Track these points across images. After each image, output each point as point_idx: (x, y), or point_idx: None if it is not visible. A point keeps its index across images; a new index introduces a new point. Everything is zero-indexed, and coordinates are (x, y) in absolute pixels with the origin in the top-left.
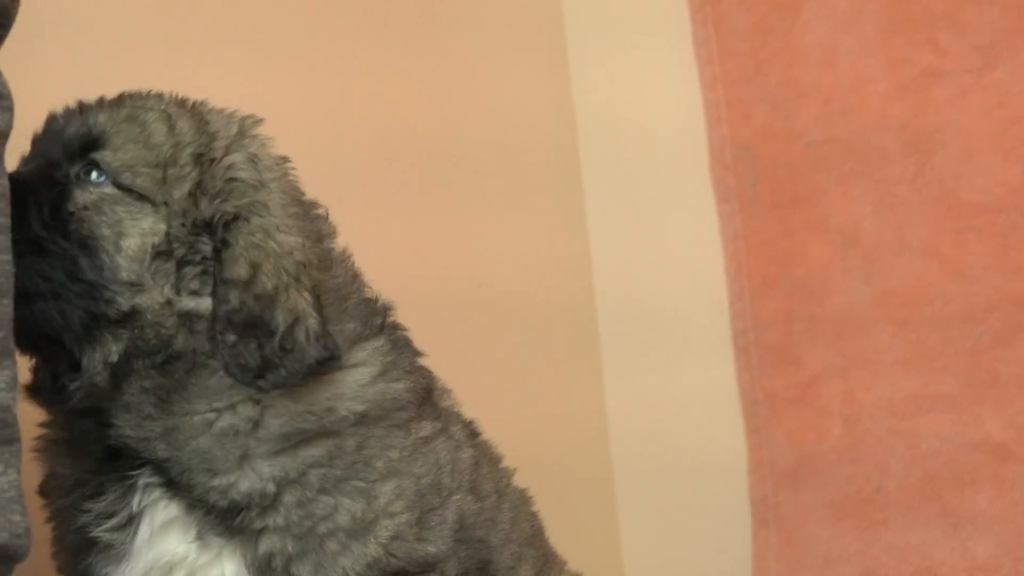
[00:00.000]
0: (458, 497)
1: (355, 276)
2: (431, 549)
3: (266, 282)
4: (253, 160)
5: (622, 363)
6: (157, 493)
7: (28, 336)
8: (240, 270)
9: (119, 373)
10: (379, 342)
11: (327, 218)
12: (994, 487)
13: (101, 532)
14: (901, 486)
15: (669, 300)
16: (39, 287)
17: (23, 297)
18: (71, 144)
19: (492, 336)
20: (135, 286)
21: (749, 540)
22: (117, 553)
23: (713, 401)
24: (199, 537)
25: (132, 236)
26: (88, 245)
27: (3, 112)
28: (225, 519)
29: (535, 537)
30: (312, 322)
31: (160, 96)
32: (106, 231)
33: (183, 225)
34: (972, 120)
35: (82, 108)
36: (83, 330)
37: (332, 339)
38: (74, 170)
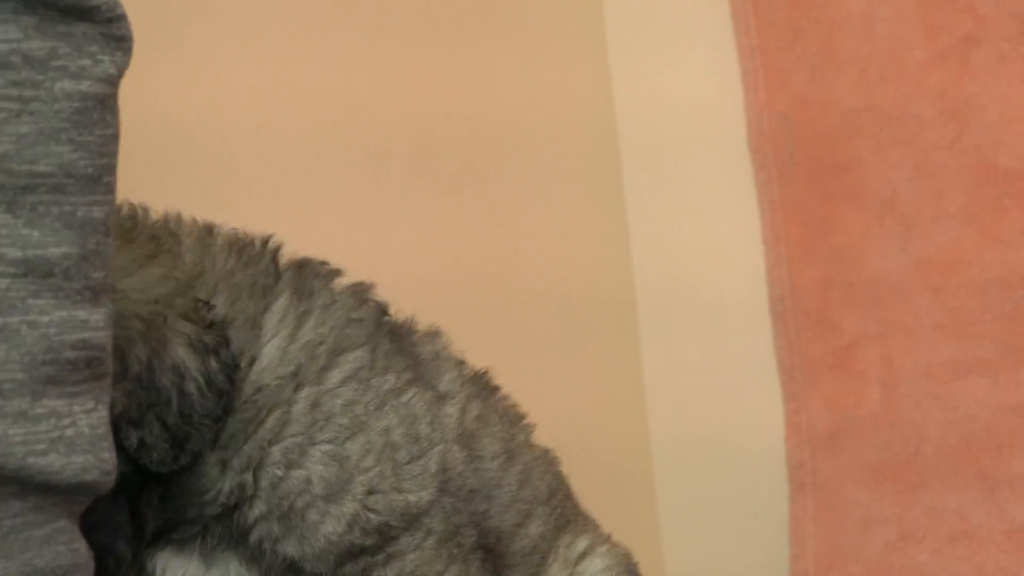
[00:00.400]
0: (441, 447)
1: (225, 251)
2: (411, 498)
3: (136, 356)
4: None
5: (659, 331)
6: (166, 551)
7: None
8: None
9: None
10: (282, 299)
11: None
12: None
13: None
14: (939, 450)
15: (706, 268)
16: None
17: None
18: None
19: (529, 306)
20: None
21: (786, 505)
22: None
23: (750, 367)
24: (204, 560)
25: None
26: None
27: (124, 53)
28: (217, 525)
29: (552, 496)
30: (194, 369)
31: None
32: None
33: None
34: (1010, 87)
35: None
36: None
37: (224, 357)
38: None
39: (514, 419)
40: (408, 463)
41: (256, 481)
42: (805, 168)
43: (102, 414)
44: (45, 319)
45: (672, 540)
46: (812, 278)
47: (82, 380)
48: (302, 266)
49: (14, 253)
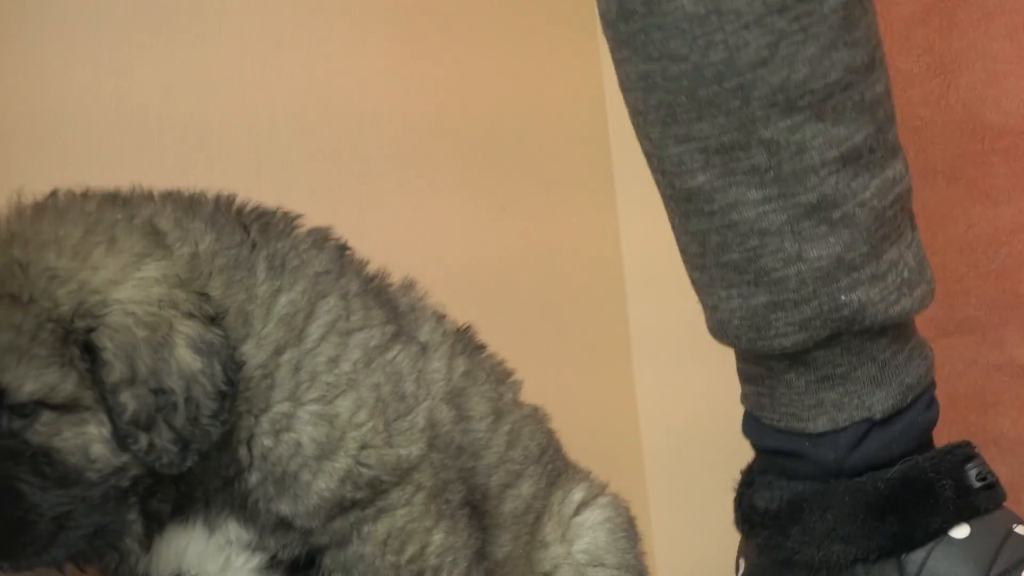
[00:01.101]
0: (428, 403)
1: (203, 230)
2: (402, 452)
3: (143, 361)
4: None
5: (645, 299)
6: (171, 523)
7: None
8: (119, 369)
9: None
10: (263, 280)
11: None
12: (1017, 409)
13: None
14: None
15: None
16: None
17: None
18: None
19: (518, 269)
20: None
21: None
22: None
23: None
24: (207, 527)
25: (94, 444)
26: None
27: None
28: (221, 496)
29: (543, 454)
30: (203, 377)
31: None
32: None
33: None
34: (996, 42)
35: None
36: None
37: (226, 358)
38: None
39: (501, 376)
40: (397, 419)
41: (250, 452)
42: None
43: (919, 243)
44: (867, 194)
45: (658, 499)
46: None
47: (900, 225)
48: (265, 226)
49: (831, 152)
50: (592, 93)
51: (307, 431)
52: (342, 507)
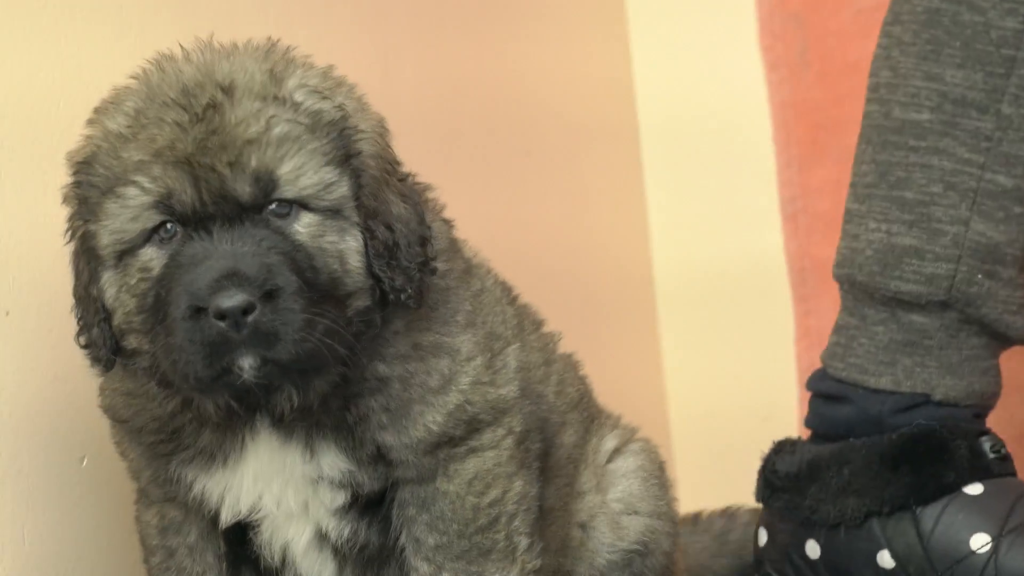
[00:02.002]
0: (516, 346)
1: None
2: (502, 392)
3: (376, 192)
4: (320, 91)
5: (670, 230)
6: (272, 437)
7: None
8: (369, 194)
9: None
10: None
11: None
12: None
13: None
14: None
15: (717, 168)
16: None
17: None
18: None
19: (545, 255)
20: (361, 291)
21: (795, 409)
22: (212, 464)
23: (761, 269)
24: (307, 446)
25: (352, 255)
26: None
27: None
28: (331, 420)
29: (581, 401)
30: (408, 224)
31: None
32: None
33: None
34: None
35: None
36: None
37: (422, 219)
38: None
39: (539, 325)
40: (494, 357)
41: (389, 373)
42: (817, 68)
43: None
44: None
45: (682, 443)
46: (823, 179)
47: None
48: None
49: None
50: (620, 80)
51: (435, 362)
52: (439, 443)
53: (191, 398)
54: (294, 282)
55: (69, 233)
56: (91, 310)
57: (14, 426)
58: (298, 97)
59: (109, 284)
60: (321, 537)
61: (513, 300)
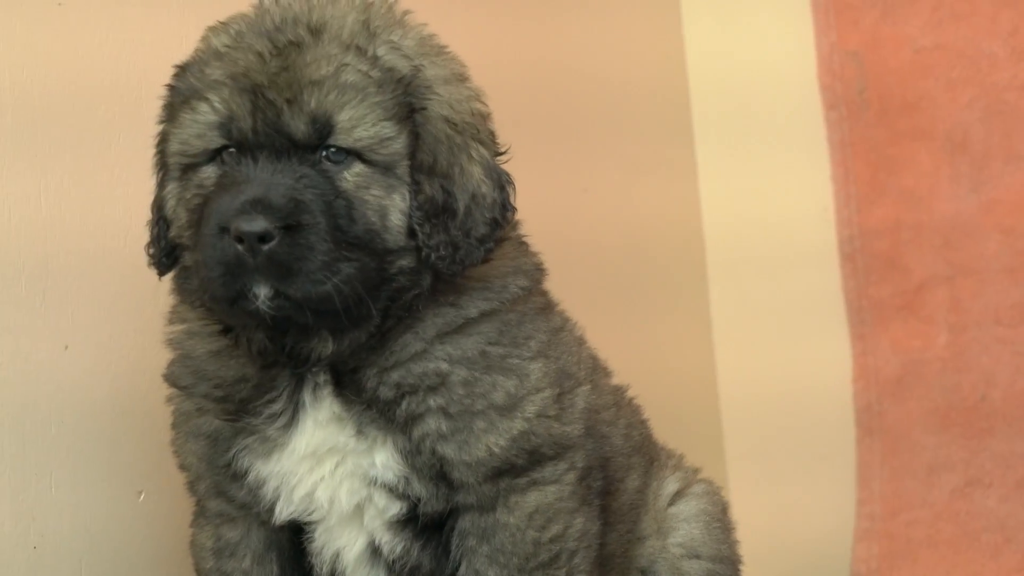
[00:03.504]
0: (586, 388)
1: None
2: (567, 429)
3: (444, 155)
4: (398, 48)
5: (727, 271)
6: (327, 391)
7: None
8: (426, 152)
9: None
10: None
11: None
12: None
13: (265, 426)
14: (1006, 395)
15: (775, 208)
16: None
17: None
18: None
19: (600, 249)
20: (404, 250)
21: (853, 448)
22: (268, 447)
23: (818, 309)
24: (359, 431)
25: (394, 212)
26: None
27: None
28: (385, 412)
29: (644, 444)
30: (484, 200)
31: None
32: (374, 217)
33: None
34: None
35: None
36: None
37: (506, 202)
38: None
39: (608, 374)
40: (563, 395)
41: (449, 373)
42: (875, 107)
43: None
44: None
45: (739, 482)
46: (881, 218)
47: None
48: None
49: None
50: (671, 38)
51: (501, 380)
52: (502, 470)
53: (237, 334)
54: (323, 224)
55: (158, 137)
56: (155, 216)
57: (72, 460)
58: (380, 51)
59: (171, 195)
60: (374, 551)
61: (584, 343)
